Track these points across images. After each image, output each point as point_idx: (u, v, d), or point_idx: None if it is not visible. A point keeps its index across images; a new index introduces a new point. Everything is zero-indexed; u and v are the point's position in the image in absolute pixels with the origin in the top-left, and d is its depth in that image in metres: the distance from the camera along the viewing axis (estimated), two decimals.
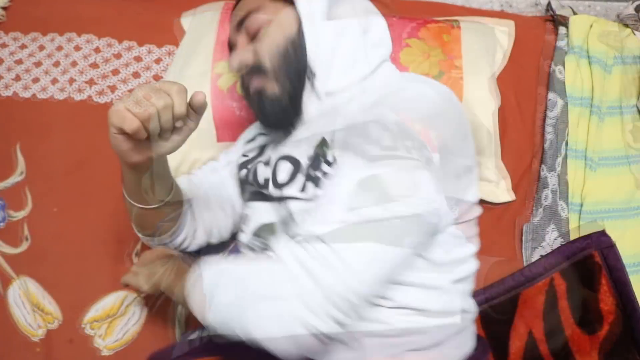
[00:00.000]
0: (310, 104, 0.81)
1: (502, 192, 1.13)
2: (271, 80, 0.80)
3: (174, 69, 1.17)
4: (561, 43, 1.23)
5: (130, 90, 1.03)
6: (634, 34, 1.25)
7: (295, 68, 0.79)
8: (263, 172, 0.82)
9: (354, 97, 0.78)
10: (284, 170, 0.77)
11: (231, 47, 0.88)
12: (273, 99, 0.80)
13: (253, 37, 0.82)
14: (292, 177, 0.76)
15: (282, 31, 0.79)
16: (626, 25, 1.28)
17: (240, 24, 0.83)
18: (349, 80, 0.79)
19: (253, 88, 0.82)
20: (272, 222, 0.79)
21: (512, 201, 1.14)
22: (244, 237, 0.85)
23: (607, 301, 0.96)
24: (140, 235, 0.89)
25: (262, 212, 0.82)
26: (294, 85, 0.80)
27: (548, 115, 1.17)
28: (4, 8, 1.24)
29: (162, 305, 1.06)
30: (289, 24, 0.79)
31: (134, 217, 0.84)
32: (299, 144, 0.78)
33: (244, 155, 0.93)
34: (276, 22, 0.80)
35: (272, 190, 0.78)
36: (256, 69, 0.81)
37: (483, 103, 1.13)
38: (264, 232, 0.81)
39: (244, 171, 0.89)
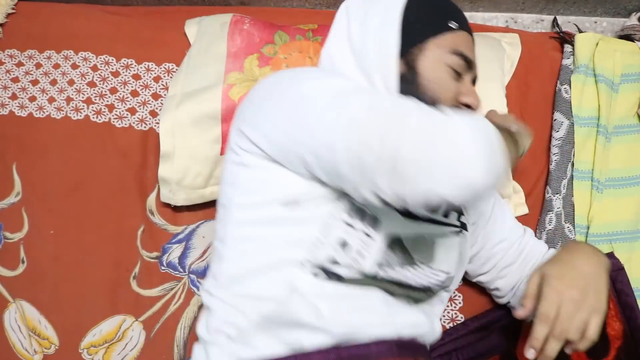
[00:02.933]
0: None
1: (515, 205, 1.11)
2: None
3: (182, 80, 1.13)
4: (567, 61, 1.21)
5: None
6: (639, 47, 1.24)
7: None
8: None
9: None
10: None
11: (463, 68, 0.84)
12: None
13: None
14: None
15: None
16: (629, 39, 1.26)
17: (472, 64, 0.84)
18: None
19: None
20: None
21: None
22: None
23: (614, 326, 0.94)
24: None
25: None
26: None
27: (554, 136, 1.14)
28: (1, 25, 1.23)
29: (160, 330, 1.05)
30: None
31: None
32: None
33: None
34: None
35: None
36: None
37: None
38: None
39: None
